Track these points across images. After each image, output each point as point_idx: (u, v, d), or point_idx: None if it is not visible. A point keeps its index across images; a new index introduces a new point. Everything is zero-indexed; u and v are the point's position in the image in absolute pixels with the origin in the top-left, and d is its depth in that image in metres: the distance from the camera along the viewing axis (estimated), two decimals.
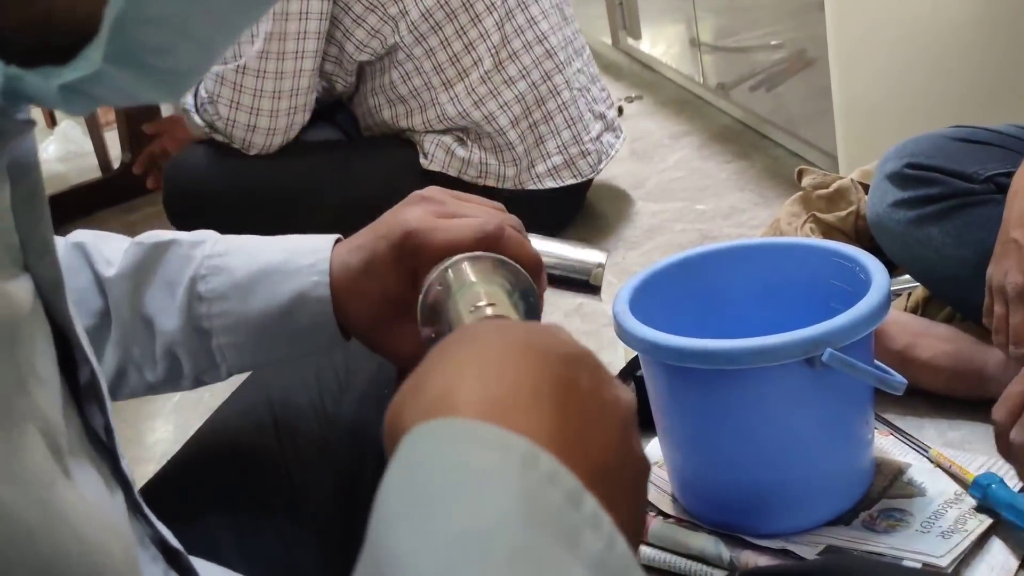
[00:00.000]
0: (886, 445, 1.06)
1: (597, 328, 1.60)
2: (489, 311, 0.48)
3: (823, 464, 0.94)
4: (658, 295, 1.02)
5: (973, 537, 0.89)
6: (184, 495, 0.70)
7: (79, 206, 2.61)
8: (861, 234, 1.34)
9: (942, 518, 0.92)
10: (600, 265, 0.75)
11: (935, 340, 1.14)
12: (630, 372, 1.23)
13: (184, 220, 1.92)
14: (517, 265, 0.56)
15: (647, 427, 1.18)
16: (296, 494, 0.73)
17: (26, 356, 0.35)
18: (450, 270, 0.55)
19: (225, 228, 2.15)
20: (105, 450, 0.45)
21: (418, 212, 0.61)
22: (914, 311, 1.24)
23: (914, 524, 0.92)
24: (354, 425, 0.79)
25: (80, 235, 0.69)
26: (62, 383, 0.40)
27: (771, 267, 1.05)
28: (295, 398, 0.79)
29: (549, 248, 0.75)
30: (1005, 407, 0.86)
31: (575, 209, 2.02)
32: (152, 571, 0.45)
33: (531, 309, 0.56)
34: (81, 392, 0.44)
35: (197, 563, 0.51)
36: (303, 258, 0.65)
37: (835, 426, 0.93)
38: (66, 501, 0.33)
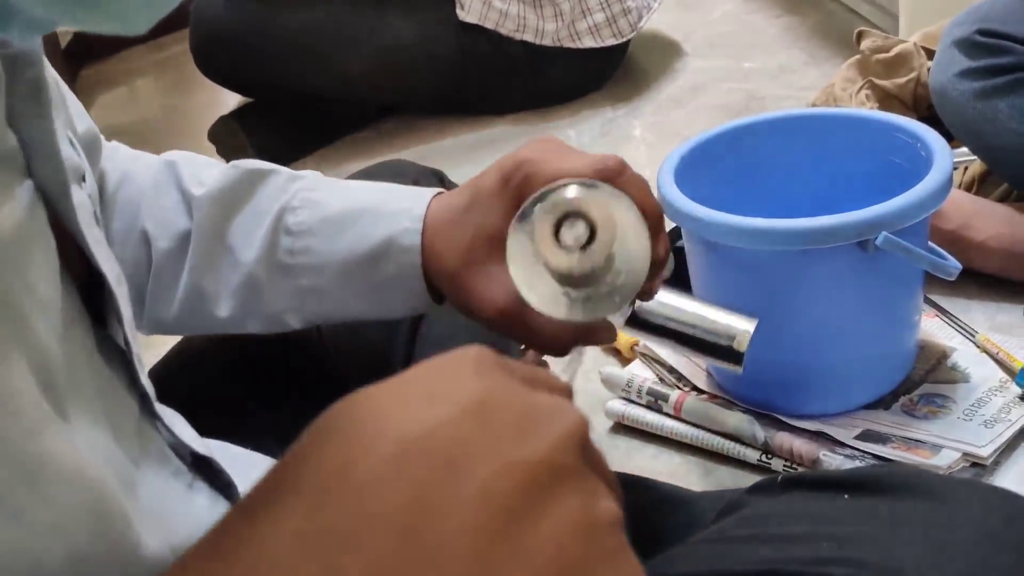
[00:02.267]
0: (931, 328, 1.03)
1: None
2: (576, 260, 0.42)
3: (866, 348, 0.91)
4: (704, 166, 0.97)
5: (1017, 427, 0.87)
6: (212, 375, 0.69)
7: (106, 42, 2.55)
8: (920, 102, 1.28)
9: (985, 406, 0.90)
10: (747, 332, 0.68)
11: (990, 220, 1.09)
12: (671, 241, 1.20)
13: (210, 65, 1.87)
14: (631, 201, 0.48)
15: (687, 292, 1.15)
16: (329, 368, 0.71)
17: (15, 280, 0.32)
18: (549, 191, 0.47)
19: (252, 74, 2.11)
20: (124, 362, 0.43)
21: (535, 146, 0.56)
22: (969, 187, 1.19)
23: (956, 411, 0.90)
24: None
25: (174, 155, 0.65)
26: (76, 297, 0.37)
27: (824, 140, 1.00)
28: None
29: (689, 306, 0.69)
30: None
31: (615, 68, 1.95)
32: (173, 487, 0.43)
33: (634, 249, 0.49)
34: (105, 302, 0.42)
35: (229, 455, 0.50)
36: (400, 202, 0.59)
37: (882, 310, 0.90)
38: (50, 453, 0.30)
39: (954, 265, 0.87)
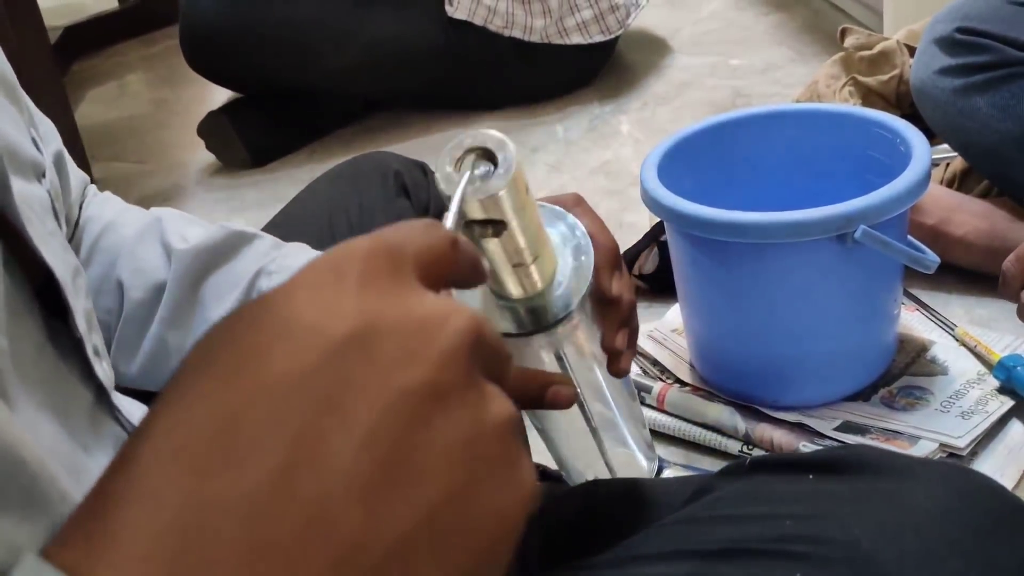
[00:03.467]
0: (911, 321, 1.04)
1: (623, 187, 1.56)
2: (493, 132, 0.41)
3: (846, 340, 0.92)
4: (687, 161, 0.99)
5: (993, 419, 0.88)
6: None
7: (97, 37, 2.55)
8: (902, 100, 1.29)
9: (963, 398, 0.92)
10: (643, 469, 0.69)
11: (970, 216, 1.10)
12: (654, 236, 1.21)
13: (200, 60, 1.88)
14: (579, 223, 0.50)
15: (668, 292, 1.16)
16: None
17: None
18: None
19: (241, 69, 2.12)
20: (80, 354, 0.43)
21: None
22: (950, 184, 1.20)
23: (934, 403, 0.92)
24: None
25: (163, 212, 0.66)
26: (25, 289, 0.38)
27: (806, 134, 1.01)
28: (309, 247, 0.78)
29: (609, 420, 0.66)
30: (1018, 256, 0.88)
31: (603, 64, 1.96)
32: None
33: (580, 270, 0.50)
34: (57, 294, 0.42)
35: None
36: None
37: (861, 302, 0.91)
38: None
39: (932, 259, 0.88)
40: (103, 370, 0.45)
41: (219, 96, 2.05)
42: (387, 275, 0.27)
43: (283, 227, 0.83)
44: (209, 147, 1.91)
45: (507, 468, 0.26)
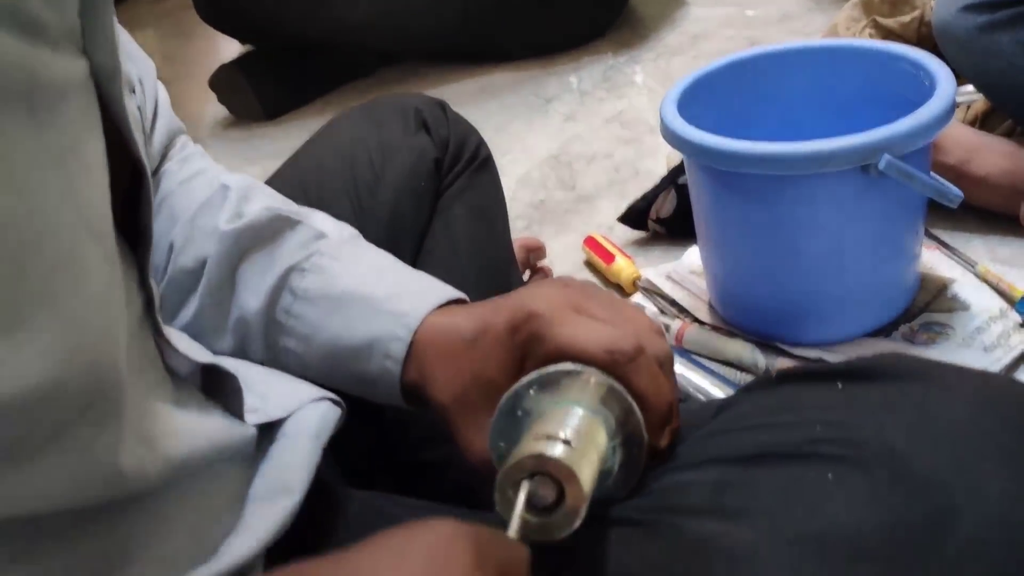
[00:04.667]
0: (932, 260, 1.03)
1: (638, 135, 1.55)
2: (560, 450, 0.38)
3: (867, 276, 0.91)
4: (707, 99, 0.97)
5: (1015, 353, 0.88)
6: None
7: None
8: (924, 42, 1.27)
9: (985, 333, 0.91)
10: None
11: (992, 155, 1.09)
12: (672, 180, 1.20)
13: (212, 11, 1.86)
14: (633, 404, 0.47)
15: (686, 236, 1.16)
16: None
17: (66, 134, 0.33)
18: (551, 377, 0.46)
19: (254, 21, 2.11)
20: (137, 261, 0.43)
21: (552, 296, 0.52)
22: (972, 125, 1.19)
23: (955, 338, 0.91)
24: (391, 218, 0.77)
25: (234, 181, 0.65)
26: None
27: (828, 71, 1.00)
28: (330, 186, 0.78)
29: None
30: None
31: (616, 15, 1.94)
32: (157, 393, 0.44)
33: (631, 463, 0.47)
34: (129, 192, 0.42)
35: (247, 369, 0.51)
36: (404, 302, 0.56)
37: (884, 238, 0.90)
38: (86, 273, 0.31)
39: (955, 192, 0.87)
40: (153, 284, 0.45)
41: (229, 50, 2.04)
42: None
43: (303, 166, 0.82)
44: (221, 100, 1.90)
45: None
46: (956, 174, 1.08)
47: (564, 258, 1.26)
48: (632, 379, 0.48)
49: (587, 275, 1.22)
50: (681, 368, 0.92)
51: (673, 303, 1.06)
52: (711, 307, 1.03)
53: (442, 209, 0.81)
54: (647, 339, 0.51)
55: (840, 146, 0.81)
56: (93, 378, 0.33)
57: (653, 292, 1.08)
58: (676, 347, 1.00)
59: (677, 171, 1.20)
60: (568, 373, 0.47)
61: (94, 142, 0.37)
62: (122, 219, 0.41)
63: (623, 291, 1.14)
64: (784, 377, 0.53)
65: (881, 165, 0.81)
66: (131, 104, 0.46)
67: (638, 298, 1.10)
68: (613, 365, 0.48)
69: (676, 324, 1.00)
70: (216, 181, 0.65)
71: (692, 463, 0.49)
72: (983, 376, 0.47)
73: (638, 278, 1.11)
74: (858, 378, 0.49)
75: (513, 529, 0.36)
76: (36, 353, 0.30)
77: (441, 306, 0.57)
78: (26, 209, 0.30)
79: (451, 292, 0.58)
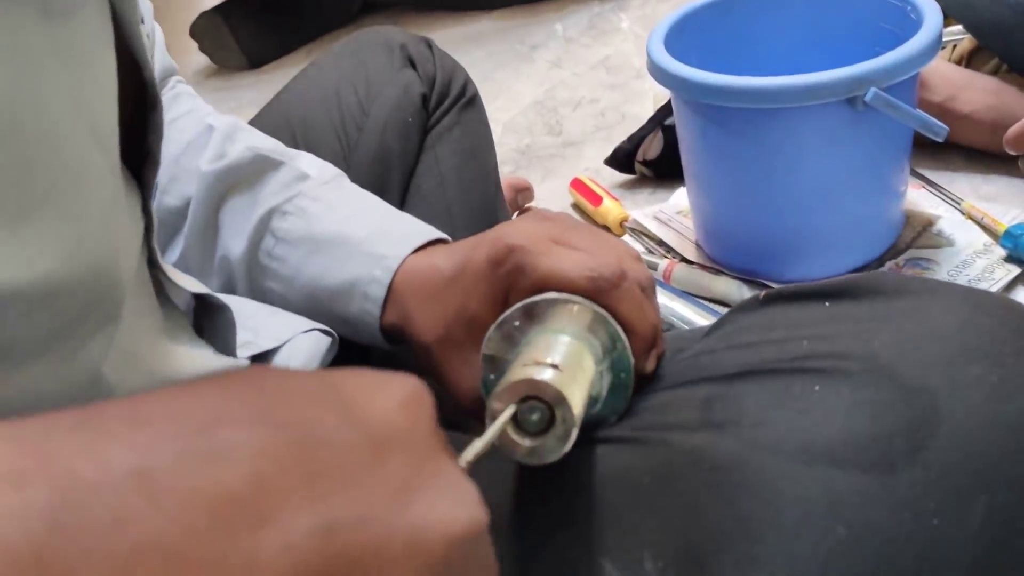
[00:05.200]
0: (917, 198, 1.04)
1: (624, 80, 1.55)
2: (549, 374, 0.38)
3: (853, 211, 0.92)
4: (693, 38, 0.97)
5: (1000, 286, 0.89)
6: None
7: None
8: None
9: (970, 267, 0.92)
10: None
11: (978, 92, 1.09)
12: (659, 121, 1.20)
13: None
14: (619, 329, 0.47)
15: (673, 177, 1.16)
16: None
17: (78, 42, 0.33)
18: (537, 307, 0.47)
19: None
20: (138, 184, 0.43)
21: (532, 229, 0.52)
22: (958, 64, 1.19)
23: (940, 273, 0.92)
24: (378, 154, 0.77)
25: (218, 120, 0.64)
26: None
27: (815, 7, 1.00)
28: (316, 122, 0.77)
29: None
30: None
31: None
32: (147, 324, 0.44)
33: (619, 386, 0.47)
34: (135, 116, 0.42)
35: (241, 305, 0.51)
36: (384, 244, 0.56)
37: (870, 172, 0.91)
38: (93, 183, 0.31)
39: (941, 125, 0.87)
40: (154, 212, 0.45)
41: None
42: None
43: (288, 104, 0.82)
44: (203, 49, 1.88)
45: None
46: (942, 111, 1.08)
47: (551, 202, 1.26)
48: (616, 305, 0.49)
49: (574, 218, 1.22)
50: (664, 299, 0.92)
51: (661, 243, 1.06)
52: (698, 246, 1.03)
53: (430, 146, 0.80)
54: (628, 265, 0.51)
55: (827, 78, 0.81)
56: (94, 282, 0.33)
57: (641, 233, 1.09)
58: (663, 285, 1.00)
59: (664, 112, 1.19)
60: (553, 302, 0.47)
61: (106, 57, 0.36)
62: (126, 144, 0.41)
63: (610, 232, 1.14)
64: (772, 297, 0.53)
65: (868, 97, 0.81)
66: (141, 31, 0.45)
67: (626, 239, 1.10)
68: (597, 292, 0.48)
69: (663, 263, 1.01)
70: (203, 122, 0.65)
71: (681, 382, 0.50)
72: (967, 289, 0.48)
73: (625, 219, 1.12)
74: (845, 296, 0.50)
75: (482, 443, 0.36)
76: (41, 249, 0.30)
77: (421, 247, 0.56)
78: (35, 107, 0.30)
79: (432, 233, 0.58)
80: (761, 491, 0.41)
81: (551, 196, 1.27)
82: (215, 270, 0.61)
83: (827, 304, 0.50)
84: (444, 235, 0.59)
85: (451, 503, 0.24)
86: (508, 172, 1.35)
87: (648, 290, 0.52)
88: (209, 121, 0.65)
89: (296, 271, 0.58)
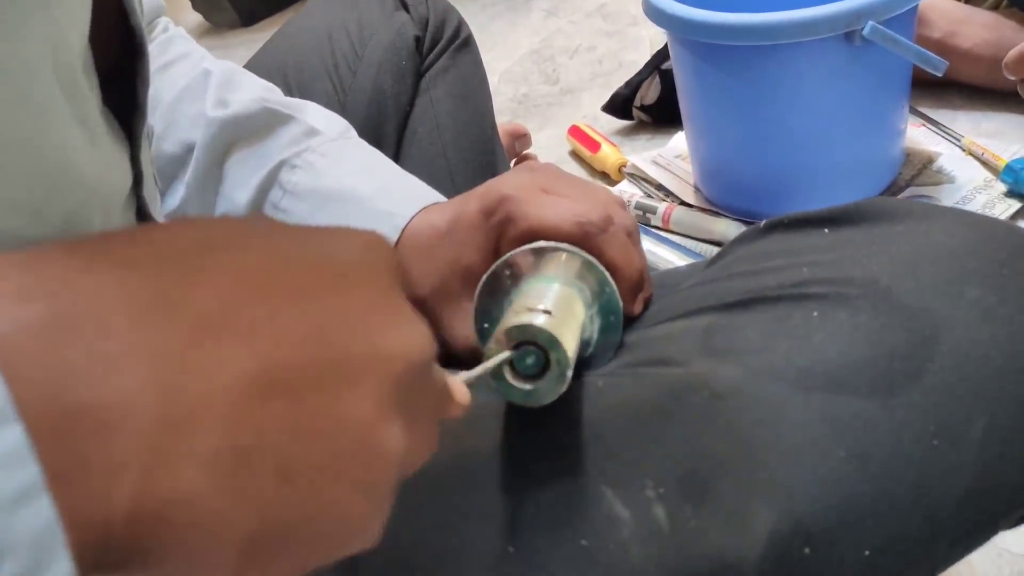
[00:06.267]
0: (918, 136, 1.03)
1: (621, 28, 1.53)
2: (542, 319, 0.38)
3: (852, 149, 0.91)
4: None
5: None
6: None
7: None
8: None
9: (970, 203, 0.91)
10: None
11: (977, 28, 1.08)
12: (656, 65, 1.19)
13: None
14: (607, 274, 0.48)
15: (671, 122, 1.15)
16: None
17: None
18: (527, 256, 0.47)
19: None
20: (127, 134, 0.42)
21: (521, 180, 0.52)
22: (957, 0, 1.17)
23: None
24: (372, 97, 0.76)
25: (215, 66, 0.63)
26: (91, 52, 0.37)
27: None
28: (309, 67, 0.77)
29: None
30: None
31: None
32: None
33: (609, 328, 0.48)
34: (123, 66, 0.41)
35: None
36: (390, 202, 0.56)
37: (868, 109, 0.90)
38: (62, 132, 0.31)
39: (940, 60, 0.86)
40: (146, 164, 0.44)
41: None
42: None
43: (281, 49, 0.81)
44: (196, 7, 1.86)
45: (355, 498, 0.23)
46: (941, 47, 1.07)
47: (549, 150, 1.25)
48: (603, 249, 0.49)
49: (572, 166, 1.21)
50: (650, 245, 0.92)
51: (660, 187, 1.05)
52: (697, 189, 1.03)
53: (425, 89, 0.80)
54: (614, 211, 0.52)
55: (824, 13, 0.80)
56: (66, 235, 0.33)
57: (639, 178, 1.08)
58: (662, 228, 1.00)
59: (661, 56, 1.18)
60: (542, 250, 0.48)
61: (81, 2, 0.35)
62: (114, 92, 0.41)
63: (609, 179, 1.13)
64: (772, 226, 0.52)
65: (865, 31, 0.80)
66: None
67: (625, 184, 1.09)
68: (584, 237, 0.49)
69: (663, 206, 1.00)
70: (198, 66, 0.64)
71: (682, 314, 0.49)
72: (967, 212, 0.47)
73: (624, 165, 1.11)
74: (845, 221, 0.49)
75: (475, 373, 0.36)
76: (6, 201, 0.30)
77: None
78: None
79: (435, 195, 0.58)
80: (761, 417, 0.41)
81: (549, 144, 1.26)
82: None
83: (827, 231, 0.50)
84: (445, 199, 0.59)
85: (408, 331, 0.25)
86: (505, 121, 1.34)
87: (634, 235, 0.53)
88: (205, 65, 0.64)
89: (302, 224, 0.58)
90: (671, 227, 0.99)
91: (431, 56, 0.81)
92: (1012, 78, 0.86)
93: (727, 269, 0.51)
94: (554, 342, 0.39)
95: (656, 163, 1.08)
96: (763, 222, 0.53)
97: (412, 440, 0.26)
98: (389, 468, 0.24)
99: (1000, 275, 0.43)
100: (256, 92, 0.62)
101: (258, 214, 0.24)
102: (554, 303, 0.42)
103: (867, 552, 0.40)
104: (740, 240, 0.54)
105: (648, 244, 0.92)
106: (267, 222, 0.26)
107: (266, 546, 0.22)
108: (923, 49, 0.85)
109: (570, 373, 0.39)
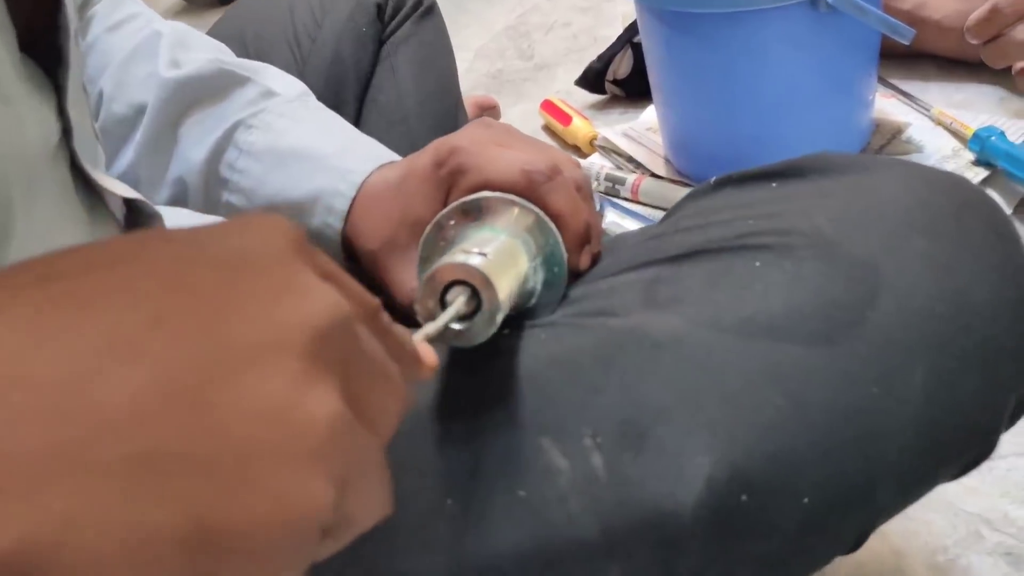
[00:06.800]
0: (888, 106, 1.03)
1: (596, 3, 1.52)
2: (475, 260, 0.38)
3: (820, 118, 0.91)
4: None
5: None
6: None
7: None
8: None
9: None
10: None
11: None
12: (628, 39, 1.19)
13: None
14: (551, 224, 0.47)
15: (643, 96, 1.14)
16: None
17: None
18: (471, 206, 0.47)
19: None
20: (54, 87, 0.42)
21: (474, 133, 0.52)
22: None
23: None
24: (332, 64, 0.76)
25: (166, 27, 0.62)
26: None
27: None
28: (269, 33, 0.76)
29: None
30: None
31: None
32: (69, 230, 0.43)
33: (553, 280, 0.48)
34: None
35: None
36: (348, 160, 0.56)
37: (835, 78, 0.90)
38: None
39: (907, 28, 0.86)
40: (74, 115, 0.44)
41: None
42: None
43: (241, 16, 0.81)
44: None
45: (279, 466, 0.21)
46: (911, 19, 1.07)
47: (522, 125, 1.25)
48: (548, 199, 0.49)
49: (545, 139, 1.21)
50: (615, 217, 0.92)
51: (630, 160, 1.05)
52: (667, 161, 1.02)
53: (386, 56, 0.79)
54: (564, 165, 0.52)
55: None
56: None
57: (610, 150, 1.08)
58: (631, 199, 1.00)
59: (632, 29, 1.18)
60: (487, 200, 0.48)
61: None
62: (38, 42, 0.40)
63: (581, 152, 1.13)
64: (722, 182, 0.52)
65: None
66: None
67: (595, 157, 1.09)
68: (530, 186, 0.49)
69: (632, 177, 1.00)
70: (149, 26, 0.63)
71: (628, 268, 0.49)
72: (914, 165, 0.47)
73: (595, 138, 1.10)
74: (793, 175, 0.49)
75: (434, 327, 0.36)
76: None
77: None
78: None
79: (393, 156, 0.58)
80: (701, 365, 0.41)
81: (522, 119, 1.26)
82: (169, 182, 0.60)
83: (775, 184, 0.49)
84: (401, 159, 0.59)
85: (308, 300, 0.23)
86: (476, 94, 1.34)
87: (583, 190, 0.53)
88: (156, 26, 0.63)
89: (258, 183, 0.58)
90: (640, 198, 0.99)
91: (393, 24, 0.81)
92: (975, 42, 0.86)
93: (675, 224, 0.51)
94: (485, 282, 0.39)
95: (627, 136, 1.08)
96: (713, 179, 0.53)
97: (363, 403, 0.24)
98: (323, 433, 0.22)
99: (946, 226, 0.43)
100: (210, 53, 0.62)
101: (148, 230, 0.22)
102: (492, 247, 0.41)
103: (806, 500, 0.40)
104: (690, 196, 0.54)
105: (615, 216, 0.92)
106: (156, 232, 0.25)
107: (209, 549, 0.20)
108: (889, 17, 0.85)
109: (500, 315, 0.39)
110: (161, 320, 0.21)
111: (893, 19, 0.85)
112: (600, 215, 0.89)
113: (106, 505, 0.19)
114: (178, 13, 1.86)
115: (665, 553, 0.41)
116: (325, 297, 0.24)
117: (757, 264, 0.44)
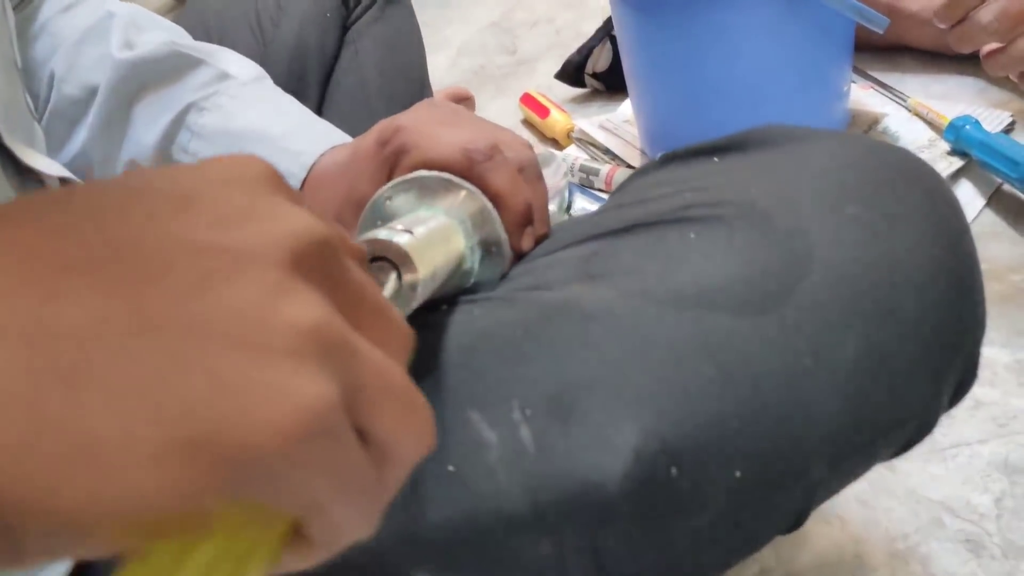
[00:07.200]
0: (865, 97, 1.02)
1: None
2: (397, 236, 0.38)
3: (793, 107, 0.90)
4: None
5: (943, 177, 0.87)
6: None
7: None
8: None
9: None
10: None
11: None
12: (607, 32, 1.18)
13: None
14: (488, 204, 0.47)
15: (622, 90, 1.14)
16: None
17: None
18: (409, 184, 0.47)
19: None
20: None
21: (420, 113, 0.52)
22: None
23: None
24: (295, 49, 0.75)
25: (120, 8, 0.62)
26: None
27: None
28: (231, 18, 0.76)
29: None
30: None
31: None
32: None
33: (491, 259, 0.47)
34: None
35: None
36: (300, 142, 0.56)
37: (808, 68, 0.89)
38: None
39: (881, 17, 0.85)
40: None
41: None
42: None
43: (204, 1, 0.80)
44: None
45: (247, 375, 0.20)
46: (889, 11, 1.06)
47: (501, 119, 1.24)
48: (487, 178, 0.48)
49: (524, 133, 1.20)
50: (584, 203, 0.91)
51: (606, 151, 1.04)
52: (643, 153, 1.02)
53: (351, 41, 0.79)
54: (508, 145, 0.51)
55: None
56: None
57: (587, 142, 1.07)
58: (604, 190, 0.99)
59: (612, 22, 1.17)
60: (424, 178, 0.47)
61: None
62: None
63: (559, 144, 1.12)
64: (668, 158, 0.52)
65: None
66: None
67: (572, 149, 1.08)
68: (469, 165, 0.48)
69: (606, 168, 0.99)
70: (101, 7, 0.63)
71: (568, 244, 0.49)
72: (850, 135, 0.47)
73: (572, 130, 1.10)
74: (734, 149, 0.49)
75: None
76: None
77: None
78: None
79: (345, 137, 0.58)
80: (631, 336, 0.40)
81: (502, 113, 1.25)
82: (122, 164, 0.60)
83: (716, 159, 0.49)
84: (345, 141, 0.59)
85: (284, 221, 0.23)
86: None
87: (528, 171, 0.52)
88: (109, 7, 0.63)
89: None
90: (614, 189, 0.98)
91: (359, 9, 0.80)
92: (942, 27, 0.85)
93: (618, 200, 0.50)
94: (405, 258, 0.38)
95: (604, 128, 1.07)
96: (660, 155, 0.52)
97: (352, 315, 0.24)
98: (305, 333, 0.21)
99: (882, 194, 0.42)
100: (164, 35, 0.61)
101: (136, 167, 0.22)
102: (421, 227, 0.41)
103: (737, 473, 0.40)
104: (638, 173, 0.53)
105: (585, 203, 0.91)
106: (142, 170, 0.25)
107: (219, 460, 0.20)
108: (862, 5, 0.84)
109: (420, 292, 0.39)
110: (112, 242, 0.21)
111: (866, 7, 0.85)
112: (569, 201, 0.88)
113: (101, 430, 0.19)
114: (169, 11, 1.86)
115: (595, 526, 0.40)
116: (301, 217, 0.23)
117: (691, 236, 0.43)
